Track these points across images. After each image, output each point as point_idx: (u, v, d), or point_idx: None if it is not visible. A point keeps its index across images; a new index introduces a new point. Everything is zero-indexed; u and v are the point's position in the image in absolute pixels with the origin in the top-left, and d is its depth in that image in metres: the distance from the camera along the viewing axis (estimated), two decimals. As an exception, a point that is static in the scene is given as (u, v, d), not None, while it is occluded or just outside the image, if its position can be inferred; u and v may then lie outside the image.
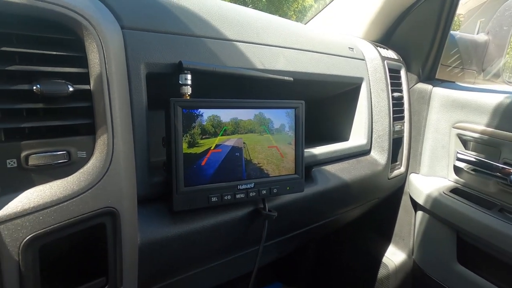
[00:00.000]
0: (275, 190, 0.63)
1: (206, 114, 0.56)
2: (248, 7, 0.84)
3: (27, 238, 0.38)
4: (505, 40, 1.31)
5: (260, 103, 0.62)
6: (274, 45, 0.74)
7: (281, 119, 0.64)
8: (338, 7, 1.28)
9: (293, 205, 0.74)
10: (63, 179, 0.41)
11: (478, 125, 0.96)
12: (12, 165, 0.39)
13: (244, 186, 0.60)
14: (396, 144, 1.07)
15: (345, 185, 0.87)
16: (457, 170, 1.03)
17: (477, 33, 1.42)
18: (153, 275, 0.58)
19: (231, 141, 0.59)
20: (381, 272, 1.20)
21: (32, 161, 0.40)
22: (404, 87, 1.11)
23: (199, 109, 0.55)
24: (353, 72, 0.94)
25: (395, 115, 1.05)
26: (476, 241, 0.92)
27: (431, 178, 1.08)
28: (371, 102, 1.00)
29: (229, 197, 0.58)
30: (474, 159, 0.96)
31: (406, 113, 1.11)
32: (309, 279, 1.45)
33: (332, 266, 1.39)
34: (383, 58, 1.04)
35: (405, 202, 1.16)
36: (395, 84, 1.07)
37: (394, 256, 1.18)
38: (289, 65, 0.76)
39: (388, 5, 1.11)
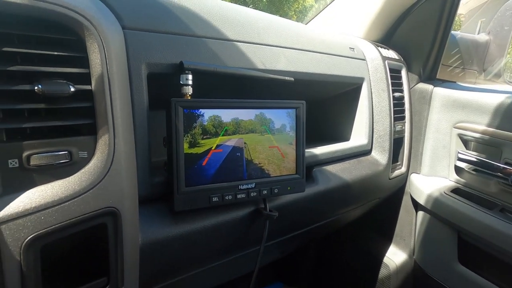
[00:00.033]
0: (276, 190, 0.63)
1: (207, 114, 0.56)
2: (248, 7, 0.84)
3: (29, 238, 0.38)
4: (506, 40, 1.31)
5: (261, 103, 0.62)
6: (275, 45, 0.74)
7: (282, 119, 0.64)
8: (338, 7, 1.28)
9: (294, 205, 0.74)
10: (64, 179, 0.41)
11: (479, 125, 0.96)
12: (14, 165, 0.39)
13: (245, 186, 0.60)
14: (397, 144, 1.07)
15: (346, 185, 0.87)
16: (458, 170, 1.02)
17: (478, 33, 1.42)
18: (154, 275, 0.58)
19: (232, 141, 0.59)
20: (382, 272, 1.20)
21: (34, 161, 0.40)
22: (405, 87, 1.11)
23: (200, 109, 0.55)
24: (354, 72, 0.94)
25: (396, 115, 1.04)
26: (477, 241, 0.92)
27: (432, 178, 1.08)
28: (372, 102, 1.00)
29: (230, 197, 0.58)
30: (475, 159, 0.96)
31: (407, 113, 1.11)
32: (310, 279, 1.45)
33: (333, 266, 1.39)
34: (384, 58, 1.04)
35: (406, 202, 1.16)
36: (396, 84, 1.07)
37: (395, 256, 1.18)
38: (290, 65, 0.76)
39: (389, 5, 1.11)
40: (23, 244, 0.38)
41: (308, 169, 0.81)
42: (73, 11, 0.40)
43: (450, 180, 1.05)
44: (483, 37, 1.35)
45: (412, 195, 1.12)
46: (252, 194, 0.61)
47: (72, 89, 0.41)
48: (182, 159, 0.53)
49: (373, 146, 1.01)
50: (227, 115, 0.58)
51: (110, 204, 0.45)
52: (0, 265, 0.37)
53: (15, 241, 0.38)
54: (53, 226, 0.40)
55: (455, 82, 1.18)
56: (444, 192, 0.99)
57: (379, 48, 1.06)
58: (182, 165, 0.54)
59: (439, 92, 1.07)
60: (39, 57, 0.41)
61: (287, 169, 0.65)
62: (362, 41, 1.10)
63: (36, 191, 0.39)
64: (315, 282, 1.45)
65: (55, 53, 0.41)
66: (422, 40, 1.12)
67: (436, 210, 1.00)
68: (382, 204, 1.15)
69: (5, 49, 0.38)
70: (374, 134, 1.01)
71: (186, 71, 0.56)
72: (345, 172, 0.88)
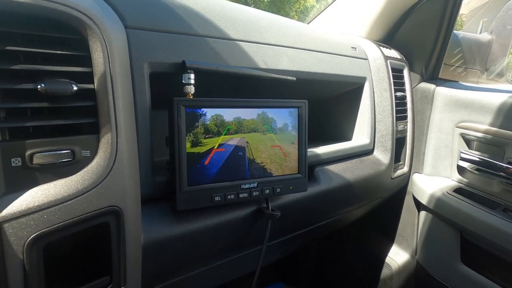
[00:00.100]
0: (278, 190, 0.63)
1: (209, 113, 0.56)
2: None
3: (32, 236, 0.38)
4: (509, 39, 1.31)
5: (263, 103, 0.61)
6: (277, 44, 0.74)
7: (284, 118, 0.64)
8: (340, 7, 1.28)
9: (296, 205, 0.74)
10: (67, 178, 0.41)
11: (482, 125, 0.96)
12: (16, 164, 0.39)
13: (247, 186, 0.60)
14: (399, 143, 1.07)
15: (348, 184, 0.87)
16: (460, 169, 1.02)
17: (480, 33, 1.41)
18: (156, 275, 0.58)
19: (234, 140, 0.59)
20: (384, 272, 1.19)
21: (37, 160, 0.40)
22: (407, 86, 1.11)
23: (202, 109, 0.55)
24: (356, 72, 0.94)
25: (398, 115, 1.04)
26: (480, 241, 0.92)
27: (435, 178, 1.08)
28: (374, 101, 1.00)
29: (232, 196, 0.58)
30: (477, 159, 0.96)
31: (409, 113, 1.10)
32: (311, 279, 1.45)
33: (334, 266, 1.39)
34: (386, 58, 1.03)
35: (408, 202, 1.16)
36: (398, 84, 1.07)
37: (397, 256, 1.18)
38: (292, 64, 0.76)
39: (390, 5, 1.11)
40: (26, 242, 0.38)
41: (310, 169, 0.81)
42: (76, 10, 0.40)
43: (452, 180, 1.05)
44: (485, 36, 1.35)
45: (414, 195, 1.11)
46: (254, 194, 0.61)
47: (75, 88, 0.41)
48: (184, 158, 0.53)
49: (375, 145, 1.01)
50: (229, 115, 0.58)
51: (112, 203, 0.45)
52: (3, 263, 0.37)
53: (18, 239, 0.38)
54: (56, 225, 0.40)
55: (457, 81, 1.18)
56: (447, 192, 0.99)
57: (381, 48, 1.06)
58: (185, 164, 0.54)
59: (442, 92, 1.06)
60: (42, 56, 0.41)
61: (289, 169, 0.65)
62: (364, 40, 1.10)
63: (39, 189, 0.39)
64: (316, 282, 1.45)
65: (58, 52, 0.41)
66: (424, 40, 1.12)
67: (438, 210, 1.00)
68: (384, 204, 1.15)
69: (8, 48, 0.38)
70: (376, 133, 1.01)
71: (188, 71, 0.56)
72: (347, 171, 0.88)
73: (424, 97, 1.11)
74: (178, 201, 0.53)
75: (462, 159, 1.00)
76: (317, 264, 1.44)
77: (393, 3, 1.10)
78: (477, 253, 0.93)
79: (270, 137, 0.63)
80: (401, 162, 1.10)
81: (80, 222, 0.42)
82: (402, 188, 1.15)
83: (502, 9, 1.31)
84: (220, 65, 0.61)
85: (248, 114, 0.60)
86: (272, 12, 0.85)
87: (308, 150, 0.75)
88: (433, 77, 1.16)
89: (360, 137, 1.00)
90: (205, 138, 0.56)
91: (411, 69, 1.14)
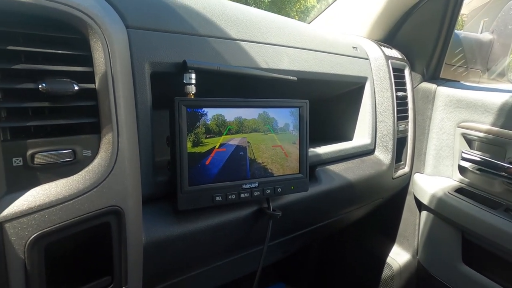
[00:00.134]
0: (279, 190, 0.63)
1: (211, 113, 0.56)
2: (250, 7, 0.84)
3: (33, 236, 0.38)
4: (510, 39, 1.30)
5: (264, 102, 0.61)
6: (278, 44, 0.74)
7: (285, 118, 0.64)
8: (340, 7, 1.28)
9: (297, 205, 0.74)
10: (68, 178, 0.41)
11: (483, 125, 0.95)
12: (18, 163, 0.39)
13: (248, 186, 0.60)
14: (400, 143, 1.06)
15: (349, 184, 0.87)
16: (462, 169, 1.02)
17: (481, 33, 1.41)
18: (157, 274, 0.58)
19: (235, 140, 0.59)
20: (385, 272, 1.19)
21: (38, 159, 0.40)
22: (408, 86, 1.11)
23: (204, 108, 0.55)
24: (357, 72, 0.94)
25: (399, 115, 1.04)
26: (481, 241, 0.91)
27: (436, 177, 1.08)
28: (375, 101, 0.99)
29: (233, 196, 0.58)
30: (479, 159, 0.96)
31: (410, 113, 1.10)
32: (312, 280, 1.45)
33: (335, 266, 1.39)
34: (387, 58, 1.03)
35: (409, 202, 1.16)
36: (399, 84, 1.07)
37: (398, 257, 1.18)
38: (293, 64, 0.76)
39: (392, 4, 1.11)
40: (27, 242, 0.38)
41: (311, 169, 0.81)
42: (77, 10, 0.40)
43: (454, 179, 1.05)
44: (486, 36, 1.34)
45: (416, 195, 1.11)
46: (255, 194, 0.61)
47: (76, 88, 0.41)
48: (186, 158, 0.53)
49: (376, 145, 1.01)
50: (230, 114, 0.58)
51: (113, 203, 0.44)
52: (4, 263, 0.37)
53: (19, 239, 0.38)
54: (57, 225, 0.40)
55: (458, 81, 1.17)
56: (448, 192, 0.99)
57: (382, 48, 1.06)
58: (186, 164, 0.53)
59: (443, 92, 1.06)
60: (43, 56, 0.41)
61: (291, 169, 0.65)
62: (365, 40, 1.10)
63: (40, 189, 0.39)
64: (317, 282, 1.45)
65: (59, 51, 0.41)
66: (425, 39, 1.12)
67: (440, 210, 1.00)
68: (385, 204, 1.15)
69: (9, 47, 0.38)
70: (377, 133, 1.00)
71: (190, 70, 0.56)
72: (348, 171, 0.88)
73: (425, 97, 1.10)
74: (179, 201, 0.53)
75: (464, 159, 1.00)
76: (318, 264, 1.44)
77: (394, 3, 1.10)
78: (479, 253, 0.93)
79: (271, 137, 0.63)
80: (402, 162, 1.10)
81: (81, 222, 0.42)
82: (403, 188, 1.15)
83: (504, 9, 1.31)
84: (221, 64, 0.61)
85: (249, 114, 0.60)
86: (273, 12, 0.84)
87: (309, 150, 0.75)
88: (434, 77, 1.16)
89: (361, 137, 1.00)
90: (206, 138, 0.56)
91: (412, 69, 1.14)
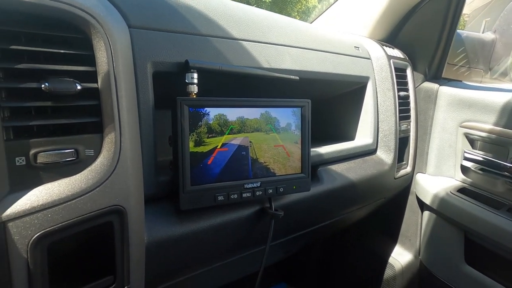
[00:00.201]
0: (281, 189, 0.63)
1: (213, 113, 0.56)
2: (252, 7, 0.84)
3: (36, 235, 0.38)
4: (513, 38, 1.30)
5: (266, 102, 0.61)
6: (280, 44, 0.74)
7: (287, 118, 0.64)
8: (342, 7, 1.28)
9: (299, 205, 0.74)
10: (71, 177, 0.41)
11: (486, 124, 0.95)
12: (21, 163, 0.39)
13: (250, 185, 0.60)
14: (402, 143, 1.06)
15: (351, 184, 0.87)
16: (464, 169, 1.02)
17: (483, 32, 1.41)
18: (159, 274, 0.58)
19: (237, 140, 0.59)
20: (388, 272, 1.19)
21: (41, 159, 0.40)
22: (410, 86, 1.10)
23: (206, 108, 0.55)
24: (359, 71, 0.94)
25: (401, 114, 1.04)
26: (484, 241, 0.91)
27: (438, 177, 1.07)
28: (377, 101, 0.99)
29: (235, 196, 0.58)
30: (481, 159, 0.95)
31: (412, 112, 1.10)
32: (314, 280, 1.45)
33: (337, 266, 1.38)
34: (389, 57, 1.03)
35: (411, 202, 1.16)
36: (401, 83, 1.06)
37: (400, 257, 1.17)
38: (295, 64, 0.75)
39: (393, 4, 1.10)
40: (30, 242, 0.38)
41: (313, 168, 0.81)
42: (79, 9, 0.41)
43: (456, 179, 1.04)
44: (489, 35, 1.34)
45: (418, 195, 1.11)
46: (257, 193, 0.60)
47: (79, 87, 0.41)
48: (188, 158, 0.53)
49: (378, 145, 1.01)
50: (232, 114, 0.58)
51: (116, 202, 0.45)
52: (7, 262, 0.37)
53: (22, 239, 0.38)
54: (60, 224, 0.40)
55: (460, 81, 1.17)
56: (450, 192, 0.98)
57: (384, 47, 1.06)
58: (188, 164, 0.53)
59: (445, 91, 1.06)
60: (45, 55, 0.41)
61: (293, 168, 0.65)
62: (367, 40, 1.09)
63: (43, 189, 0.39)
64: (319, 282, 1.44)
65: (62, 51, 0.41)
66: (427, 39, 1.12)
67: (442, 210, 0.99)
68: (387, 204, 1.15)
69: (12, 47, 0.38)
70: (379, 133, 1.00)
71: (192, 70, 0.56)
72: (350, 171, 0.88)
73: (428, 97, 1.10)
74: (181, 201, 0.53)
75: (466, 158, 0.99)
76: (320, 264, 1.44)
77: (396, 3, 1.10)
78: (481, 253, 0.93)
79: (273, 136, 0.62)
80: (404, 162, 1.10)
81: (84, 221, 0.42)
82: (405, 188, 1.15)
83: (506, 8, 1.30)
84: (223, 64, 0.61)
85: (251, 113, 0.60)
86: (274, 12, 0.84)
87: (311, 149, 0.75)
88: (437, 77, 1.15)
89: (363, 137, 0.99)
90: (208, 137, 0.56)
91: (414, 69, 1.14)
